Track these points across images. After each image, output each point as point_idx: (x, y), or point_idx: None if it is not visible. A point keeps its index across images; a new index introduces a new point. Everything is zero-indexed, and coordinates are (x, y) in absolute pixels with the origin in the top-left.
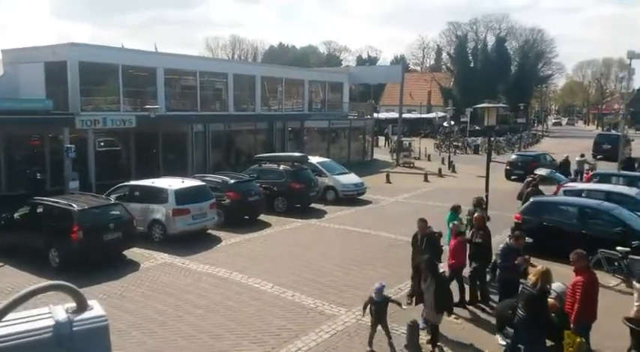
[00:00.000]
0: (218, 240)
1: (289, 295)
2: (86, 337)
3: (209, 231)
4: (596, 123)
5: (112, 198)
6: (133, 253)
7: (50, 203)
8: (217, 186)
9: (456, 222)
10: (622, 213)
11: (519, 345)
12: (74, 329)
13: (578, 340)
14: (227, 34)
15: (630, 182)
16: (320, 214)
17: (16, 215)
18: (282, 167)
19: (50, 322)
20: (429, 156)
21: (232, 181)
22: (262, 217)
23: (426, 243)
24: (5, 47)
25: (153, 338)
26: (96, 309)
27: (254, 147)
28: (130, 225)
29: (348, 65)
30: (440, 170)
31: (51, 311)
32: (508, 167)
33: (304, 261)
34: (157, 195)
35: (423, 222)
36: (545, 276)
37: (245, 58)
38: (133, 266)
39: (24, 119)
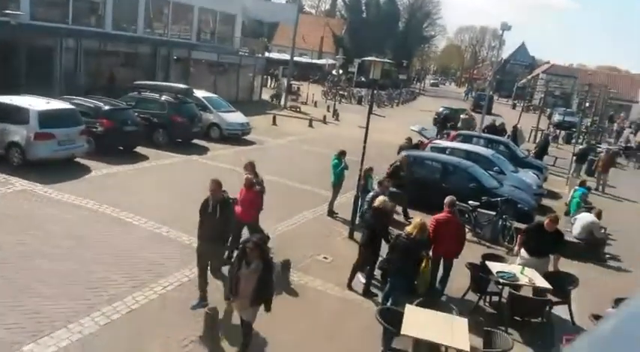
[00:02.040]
0: (87, 170)
1: (164, 231)
2: None
3: (77, 160)
4: (466, 86)
5: None
6: None
7: None
8: (89, 111)
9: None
10: (477, 170)
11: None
12: None
13: (424, 267)
14: None
15: (488, 144)
16: (202, 151)
17: None
18: (164, 97)
19: None
20: (315, 102)
21: (107, 107)
22: (139, 149)
23: (219, 210)
24: None
25: (18, 273)
26: None
27: (133, 72)
28: None
29: None
30: (324, 117)
31: None
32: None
33: (181, 196)
34: (15, 115)
35: (216, 183)
36: (422, 228)
37: None
38: None
39: None
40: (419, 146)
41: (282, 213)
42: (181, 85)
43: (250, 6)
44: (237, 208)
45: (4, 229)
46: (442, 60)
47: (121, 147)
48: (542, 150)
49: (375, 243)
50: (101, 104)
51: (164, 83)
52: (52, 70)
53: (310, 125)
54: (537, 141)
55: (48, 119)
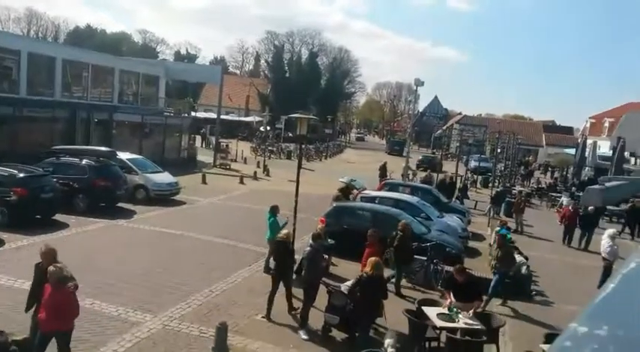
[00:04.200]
0: (0, 243)
1: (87, 303)
2: None
3: None
4: (387, 138)
5: None
6: None
7: None
8: (2, 179)
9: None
10: (405, 217)
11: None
12: None
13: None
14: (21, 7)
15: (413, 191)
16: (128, 214)
17: None
18: (84, 161)
19: None
20: (245, 158)
21: (21, 175)
22: (58, 217)
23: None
24: None
25: None
26: None
27: (51, 137)
28: None
29: (165, 59)
30: (255, 173)
31: None
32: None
33: (106, 265)
34: None
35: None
36: (377, 264)
37: (44, 37)
38: None
39: None
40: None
41: (216, 273)
42: (104, 148)
43: (174, 68)
44: (41, 316)
45: None
46: (364, 114)
47: (39, 216)
48: (462, 195)
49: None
50: (15, 171)
51: (85, 147)
52: None
53: (241, 182)
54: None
55: None
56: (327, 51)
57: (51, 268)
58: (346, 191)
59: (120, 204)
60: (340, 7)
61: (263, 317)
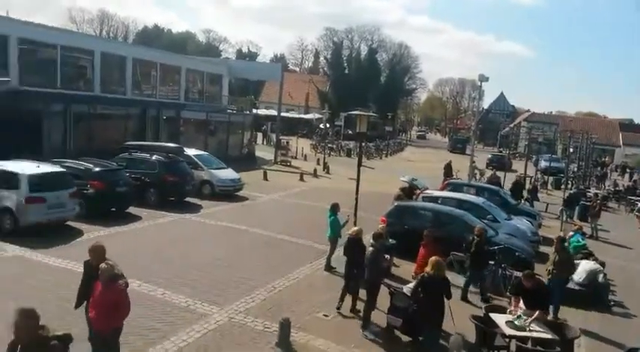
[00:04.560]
0: (79, 233)
1: (159, 293)
2: None
3: (69, 223)
4: (450, 135)
5: None
6: None
7: None
8: (79, 173)
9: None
10: (470, 218)
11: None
12: None
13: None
14: (94, 8)
15: (478, 192)
16: (195, 209)
17: None
18: (155, 157)
19: None
20: (305, 156)
21: (97, 169)
22: (131, 210)
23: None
24: None
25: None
26: None
27: (124, 133)
28: None
29: (227, 57)
30: (315, 170)
31: None
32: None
33: (176, 257)
34: (7, 180)
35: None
36: (438, 264)
37: (115, 37)
38: None
39: None
40: (413, 196)
41: (279, 269)
42: (172, 144)
43: (236, 66)
44: (92, 314)
45: None
46: (425, 111)
47: (113, 209)
48: (532, 197)
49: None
50: (91, 166)
51: (155, 143)
52: (41, 133)
53: (301, 179)
54: (527, 187)
55: (38, 183)
56: (386, 47)
57: (103, 265)
58: (409, 191)
59: (187, 199)
60: (400, 4)
61: (325, 314)
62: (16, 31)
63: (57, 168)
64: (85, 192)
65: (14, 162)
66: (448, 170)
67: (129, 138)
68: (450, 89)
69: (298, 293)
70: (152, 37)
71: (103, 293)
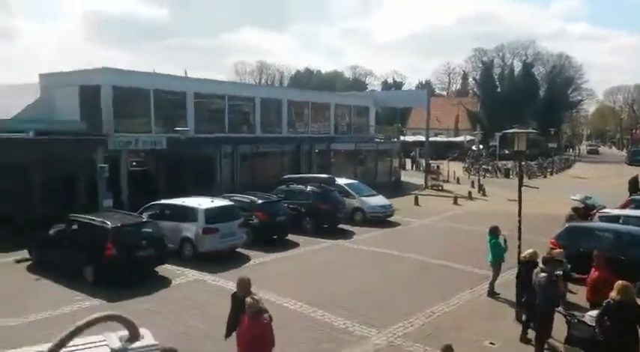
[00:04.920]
0: (247, 259)
1: (319, 314)
2: None
3: (238, 250)
4: (628, 147)
5: (145, 216)
6: (165, 269)
7: (85, 220)
8: (245, 205)
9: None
10: None
11: None
12: None
13: None
14: (254, 60)
15: None
16: (348, 235)
17: (51, 231)
18: (309, 188)
19: (106, 350)
20: (457, 178)
21: (260, 201)
22: (290, 237)
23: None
24: (42, 71)
25: None
26: (147, 338)
27: (281, 168)
28: (162, 242)
29: (373, 89)
30: (470, 193)
31: (106, 339)
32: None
33: (334, 281)
34: (187, 214)
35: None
36: (625, 288)
37: (272, 83)
38: (164, 282)
39: (59, 140)
40: (588, 216)
41: (436, 294)
42: (324, 175)
43: (381, 96)
44: (240, 349)
45: (177, 315)
46: (595, 123)
47: (275, 237)
48: None
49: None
50: (256, 198)
51: (308, 175)
52: (214, 173)
53: (455, 202)
54: None
55: (213, 215)
56: (543, 60)
57: (248, 300)
58: (583, 211)
59: (340, 226)
60: (556, 13)
61: (491, 343)
62: (192, 87)
63: (227, 202)
64: (251, 222)
65: (192, 198)
66: (634, 185)
67: (285, 172)
68: (624, 97)
69: (459, 319)
70: (304, 79)
71: (249, 327)
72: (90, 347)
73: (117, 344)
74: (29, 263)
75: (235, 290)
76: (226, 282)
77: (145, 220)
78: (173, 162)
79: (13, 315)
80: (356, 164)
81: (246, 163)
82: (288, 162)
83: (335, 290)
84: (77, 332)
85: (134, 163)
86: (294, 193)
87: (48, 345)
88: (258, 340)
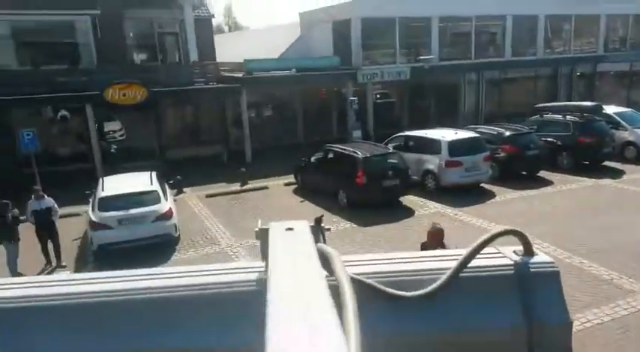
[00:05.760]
0: (491, 195)
1: (576, 261)
2: (542, 280)
3: (482, 185)
4: None
5: (390, 148)
6: (408, 200)
7: (339, 150)
8: (491, 138)
9: None
10: None
11: None
12: (531, 270)
13: None
14: None
15: None
16: (616, 174)
17: (313, 159)
18: (568, 118)
19: (507, 261)
20: None
21: (509, 133)
22: (542, 174)
23: None
24: (303, 10)
25: None
26: (542, 255)
27: (533, 95)
28: (406, 173)
29: None
30: None
31: (500, 251)
32: None
33: (594, 226)
34: (430, 146)
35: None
36: None
37: None
38: (408, 211)
39: (315, 75)
40: None
41: None
42: (588, 103)
43: None
44: None
45: None
46: None
47: (524, 172)
48: None
49: None
50: (503, 130)
51: (568, 103)
52: (457, 102)
53: None
54: None
55: (456, 148)
56: None
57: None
58: None
59: (606, 163)
60: None
61: None
62: (437, 10)
63: (472, 134)
64: (497, 156)
65: (435, 129)
66: None
67: (539, 100)
68: None
69: None
70: None
71: None
72: (488, 258)
73: (515, 257)
74: (295, 186)
75: (426, 240)
76: (468, 217)
77: (391, 151)
78: (416, 92)
79: None
80: (628, 88)
81: (493, 91)
82: (542, 89)
83: (594, 237)
84: (483, 245)
85: (378, 95)
86: (549, 124)
87: (456, 259)
88: None
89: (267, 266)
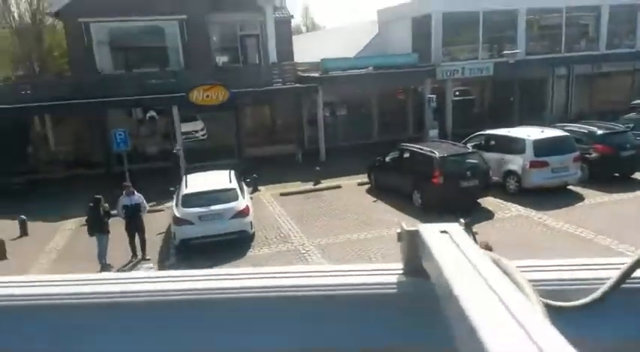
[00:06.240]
0: (580, 198)
1: None
2: None
3: (569, 187)
4: None
5: (469, 147)
6: (488, 202)
7: (415, 149)
8: (582, 137)
9: None
10: None
11: None
12: None
13: None
14: None
15: None
16: None
17: (387, 158)
18: None
19: None
20: None
21: (601, 132)
22: (637, 176)
23: None
24: (381, 7)
25: None
26: None
27: (629, 91)
28: (486, 174)
29: None
30: None
31: None
32: None
33: None
34: (513, 145)
35: None
36: None
37: None
38: (487, 214)
39: (392, 73)
40: None
41: None
42: None
43: None
44: None
45: (505, 249)
46: None
47: (617, 174)
48: None
49: None
50: (595, 129)
51: None
52: (544, 99)
53: None
54: None
55: (542, 147)
56: None
57: None
58: None
59: None
60: None
61: None
62: (524, 2)
63: (560, 133)
64: (588, 156)
65: (519, 128)
66: None
67: (636, 97)
68: None
69: None
70: None
71: None
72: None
73: None
74: (368, 185)
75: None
76: (554, 221)
77: (470, 151)
78: (498, 88)
79: (359, 231)
80: None
81: (584, 86)
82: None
83: None
84: None
85: (457, 92)
86: None
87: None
88: None
89: (433, 268)
